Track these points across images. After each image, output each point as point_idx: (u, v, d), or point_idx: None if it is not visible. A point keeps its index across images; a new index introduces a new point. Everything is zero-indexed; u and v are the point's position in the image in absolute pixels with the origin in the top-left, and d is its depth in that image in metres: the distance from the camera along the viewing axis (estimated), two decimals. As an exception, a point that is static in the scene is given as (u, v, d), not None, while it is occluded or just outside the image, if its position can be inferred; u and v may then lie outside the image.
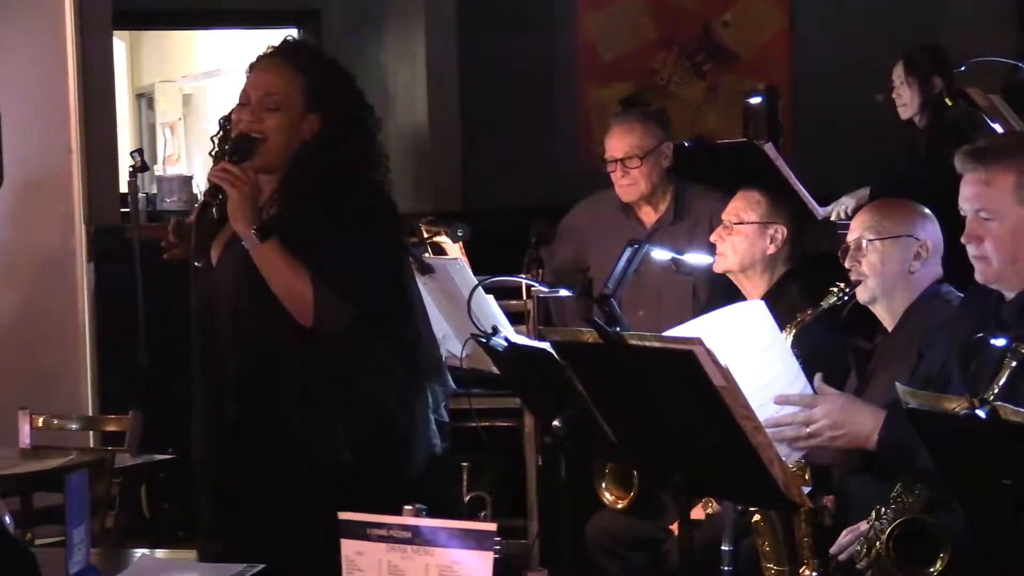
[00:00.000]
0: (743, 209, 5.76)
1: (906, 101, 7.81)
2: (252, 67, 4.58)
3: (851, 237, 5.07)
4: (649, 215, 6.51)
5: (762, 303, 4.90)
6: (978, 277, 4.46)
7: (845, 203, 7.53)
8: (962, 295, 4.92)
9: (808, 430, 4.33)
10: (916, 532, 4.47)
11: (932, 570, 4.43)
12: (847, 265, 5.02)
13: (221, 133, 4.63)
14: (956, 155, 4.41)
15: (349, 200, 4.44)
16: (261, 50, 4.62)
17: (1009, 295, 4.37)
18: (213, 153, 4.63)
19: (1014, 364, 3.98)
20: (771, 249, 5.71)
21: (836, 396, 4.40)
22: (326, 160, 4.45)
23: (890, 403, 4.33)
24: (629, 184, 6.45)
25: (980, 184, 4.34)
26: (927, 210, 5.11)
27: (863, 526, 4.77)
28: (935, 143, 7.32)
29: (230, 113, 4.60)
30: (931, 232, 5.05)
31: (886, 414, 4.33)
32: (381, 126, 4.67)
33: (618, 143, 6.48)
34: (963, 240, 4.45)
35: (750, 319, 4.75)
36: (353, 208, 4.44)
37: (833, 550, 4.84)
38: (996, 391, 3.95)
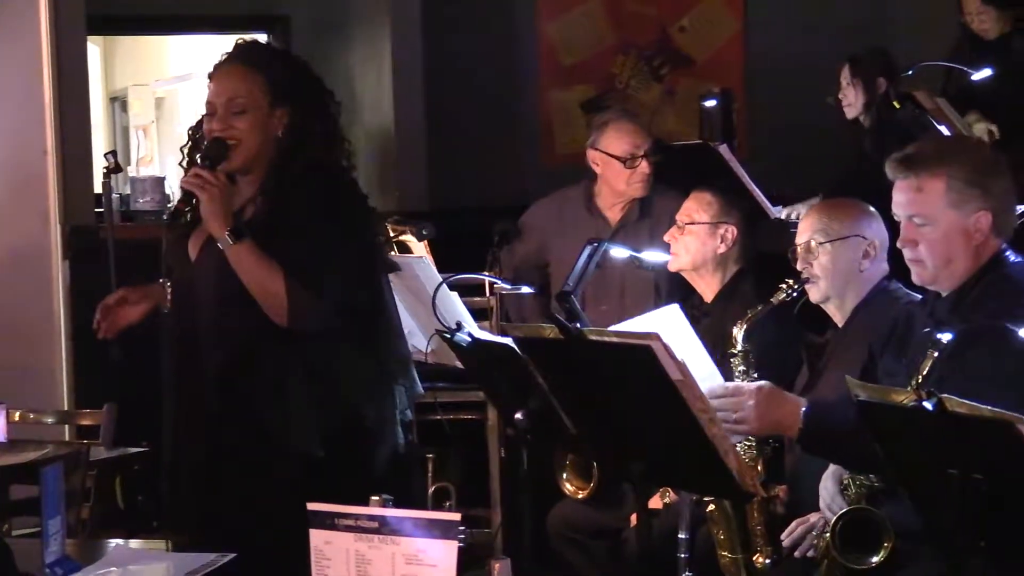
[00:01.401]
0: (694, 210, 5.78)
1: (851, 102, 7.84)
2: (211, 76, 4.58)
3: (800, 239, 5.08)
4: (615, 213, 6.52)
5: (677, 306, 4.97)
6: (915, 279, 4.49)
7: (799, 209, 7.56)
8: (909, 291, 4.95)
9: (736, 416, 4.34)
10: (861, 522, 4.50)
11: (876, 559, 4.46)
12: (799, 267, 5.04)
13: (190, 143, 4.63)
14: (887, 163, 4.44)
15: (326, 200, 4.44)
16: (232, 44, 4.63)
17: (944, 294, 4.41)
18: (183, 163, 4.63)
19: (936, 355, 4.04)
20: (721, 248, 5.73)
21: (760, 386, 4.41)
22: (301, 156, 4.45)
23: (813, 396, 4.39)
24: (641, 182, 6.49)
25: (912, 191, 4.37)
26: (872, 208, 5.14)
27: (812, 518, 4.79)
28: (881, 143, 7.34)
29: (198, 123, 4.60)
30: (877, 230, 5.08)
31: (806, 408, 4.36)
32: (341, 109, 4.68)
33: (639, 139, 6.55)
34: (899, 245, 4.48)
35: (668, 322, 4.80)
36: (330, 208, 4.43)
37: (785, 543, 4.86)
38: (920, 380, 4.00)
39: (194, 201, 4.40)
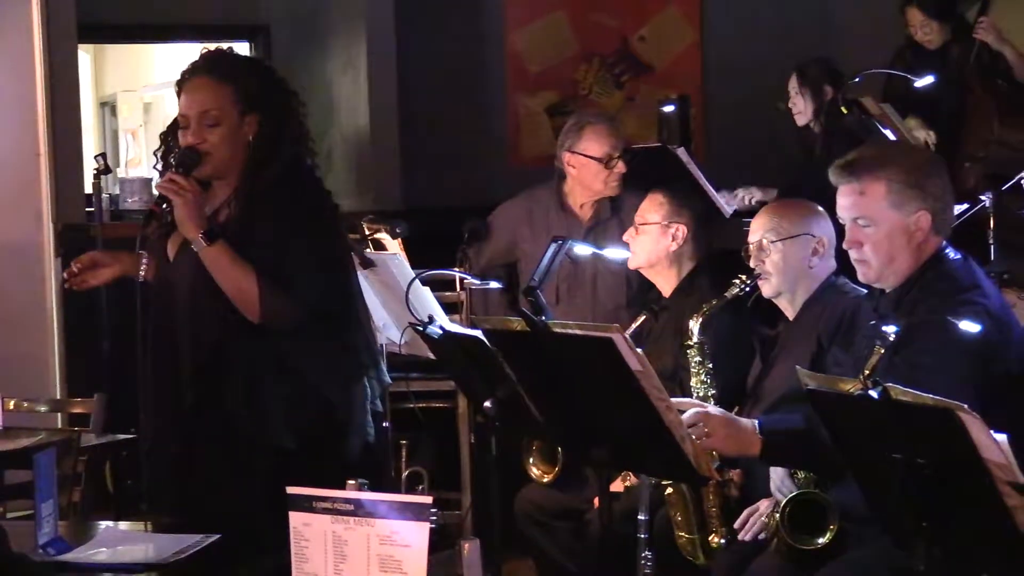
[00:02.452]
0: (648, 211, 5.78)
1: (801, 109, 7.85)
2: (181, 87, 4.54)
3: (753, 239, 5.09)
4: (587, 211, 6.51)
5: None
6: (860, 278, 4.51)
7: (754, 193, 7.56)
8: (856, 286, 4.96)
9: (706, 429, 4.33)
10: (809, 504, 4.51)
11: (822, 540, 4.47)
12: (752, 264, 5.05)
13: (164, 148, 4.61)
14: (830, 169, 4.46)
15: (296, 202, 4.42)
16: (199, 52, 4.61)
17: (888, 290, 4.42)
18: (158, 168, 4.61)
19: (882, 349, 4.05)
20: (673, 246, 5.72)
21: (709, 415, 4.42)
22: (272, 159, 4.43)
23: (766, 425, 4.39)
24: (612, 179, 6.48)
25: (855, 194, 4.39)
26: (820, 208, 5.15)
27: (762, 506, 4.80)
28: (830, 147, 7.35)
29: (170, 128, 4.58)
30: (826, 229, 5.09)
31: (759, 422, 4.37)
32: (308, 110, 4.66)
33: (613, 140, 6.52)
34: (844, 246, 4.49)
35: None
36: (300, 211, 4.42)
37: (736, 527, 4.87)
38: (867, 372, 4.01)
39: (165, 205, 4.38)
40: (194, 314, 4.43)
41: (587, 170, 6.47)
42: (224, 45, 4.80)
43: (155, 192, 4.50)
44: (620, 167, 6.45)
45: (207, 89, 4.45)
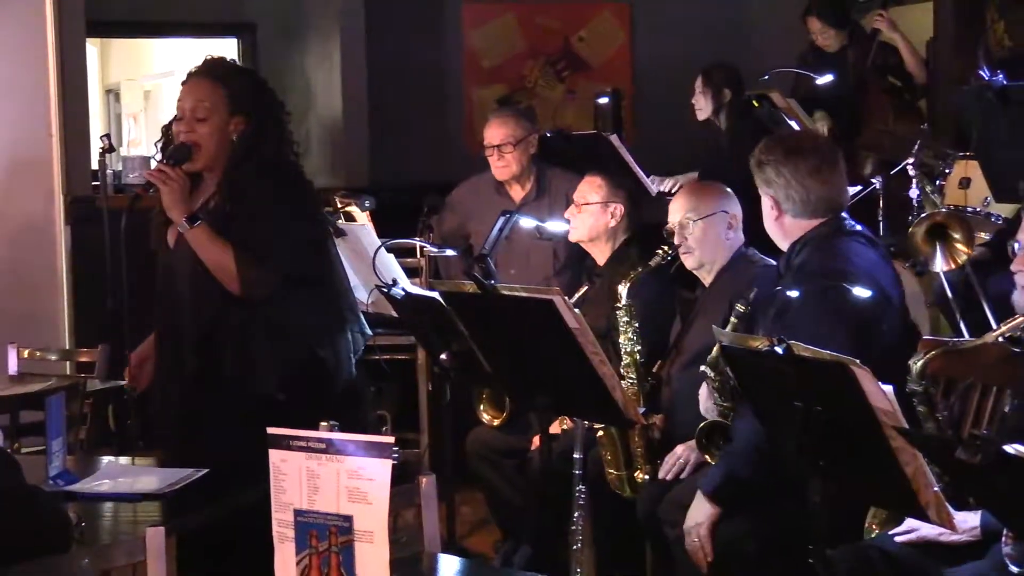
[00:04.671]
0: (588, 192, 5.77)
1: (702, 107, 7.86)
2: (183, 85, 4.55)
3: (674, 218, 5.10)
4: (518, 192, 6.50)
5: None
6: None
7: (679, 180, 7.56)
8: (764, 256, 5.00)
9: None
10: (719, 429, 4.56)
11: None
12: (676, 241, 5.06)
13: (164, 140, 4.60)
14: (751, 158, 4.53)
15: (275, 188, 4.41)
16: (203, 56, 4.60)
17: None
18: (156, 157, 4.60)
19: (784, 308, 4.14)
20: (612, 223, 5.72)
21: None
22: (255, 154, 4.42)
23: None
24: (503, 166, 6.44)
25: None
26: (729, 189, 5.17)
27: (679, 449, 4.83)
28: (735, 139, 7.37)
29: (170, 122, 4.56)
30: (736, 206, 5.12)
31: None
32: (291, 117, 4.65)
33: (495, 132, 6.47)
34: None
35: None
36: (277, 195, 4.41)
37: (661, 474, 4.89)
38: (771, 329, 4.07)
39: (151, 191, 4.38)
40: (196, 290, 4.42)
41: (489, 156, 6.47)
42: (216, 41, 4.79)
43: (145, 179, 4.48)
44: (494, 158, 6.42)
45: (202, 88, 4.45)
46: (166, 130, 4.60)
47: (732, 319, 4.49)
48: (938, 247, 5.51)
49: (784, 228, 4.47)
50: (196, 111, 4.41)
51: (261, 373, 4.35)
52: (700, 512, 4.38)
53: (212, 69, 4.53)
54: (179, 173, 4.36)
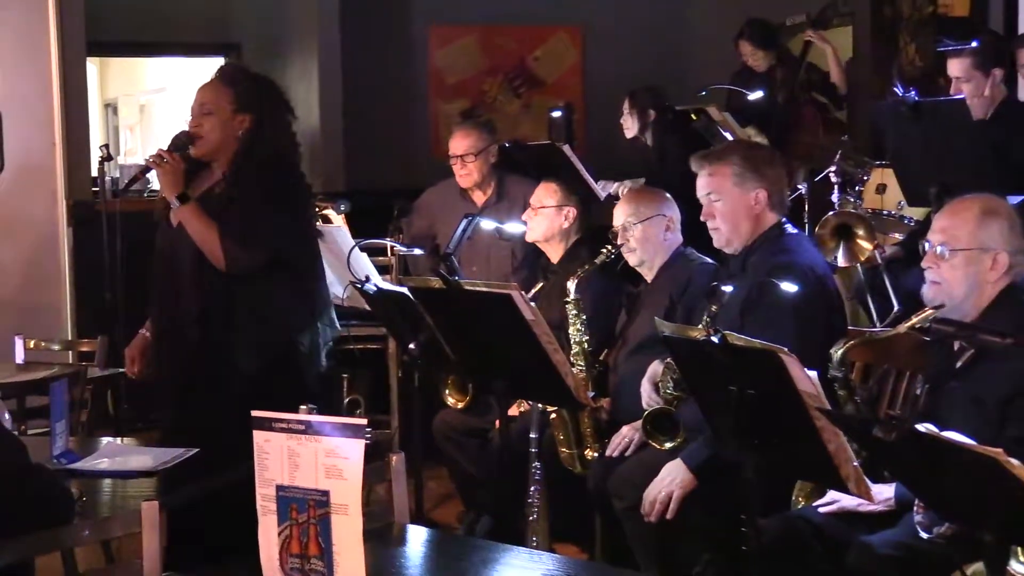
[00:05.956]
0: (544, 196, 5.77)
1: (629, 126, 7.83)
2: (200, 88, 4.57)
3: (618, 222, 5.11)
4: (479, 197, 6.49)
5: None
6: (716, 243, 4.55)
7: (626, 185, 7.56)
8: (701, 255, 5.01)
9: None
10: (664, 417, 4.56)
11: (671, 445, 4.51)
12: (619, 241, 5.07)
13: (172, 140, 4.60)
14: (692, 159, 4.55)
15: (274, 180, 4.42)
16: (197, 72, 4.60)
17: (735, 253, 4.47)
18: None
19: (718, 303, 4.16)
20: (565, 224, 5.73)
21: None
22: (258, 149, 4.42)
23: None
24: (466, 174, 6.44)
25: (708, 175, 4.47)
26: (668, 195, 5.18)
27: (625, 429, 4.83)
28: (663, 153, 7.37)
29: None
30: (674, 210, 5.13)
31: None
32: (297, 119, 4.65)
33: (459, 144, 6.46)
34: (702, 218, 4.53)
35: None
36: (276, 186, 4.41)
37: (608, 452, 4.89)
38: (708, 321, 4.06)
39: (148, 173, 4.42)
40: (198, 265, 4.40)
41: (453, 165, 6.47)
42: (204, 60, 4.79)
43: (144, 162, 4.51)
44: (458, 167, 6.41)
45: (211, 88, 4.50)
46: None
47: (706, 317, 4.39)
48: (842, 245, 5.54)
49: (760, 222, 4.42)
50: (203, 107, 4.46)
51: (245, 351, 4.34)
52: (676, 480, 4.30)
53: (223, 73, 4.60)
54: (175, 158, 4.41)
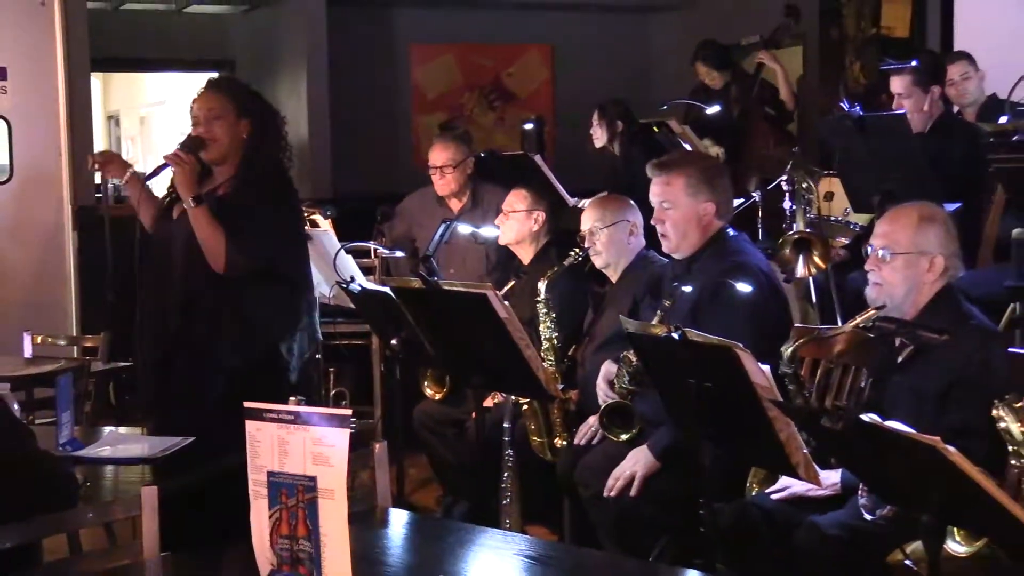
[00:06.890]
0: (515, 201, 5.76)
1: (598, 136, 7.85)
2: (194, 100, 4.49)
3: (585, 226, 5.09)
4: (456, 204, 6.48)
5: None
6: (664, 248, 4.55)
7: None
8: (662, 257, 5.00)
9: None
10: (621, 410, 4.55)
11: (627, 436, 4.52)
12: (586, 245, 5.06)
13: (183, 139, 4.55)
14: (647, 165, 4.53)
15: (274, 189, 4.37)
16: (194, 86, 4.55)
17: (682, 258, 4.48)
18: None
19: (677, 301, 4.15)
20: (535, 228, 5.72)
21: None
22: (263, 152, 4.37)
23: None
24: (444, 184, 6.43)
25: (663, 184, 4.44)
26: (632, 201, 5.17)
27: (591, 419, 4.82)
28: (629, 163, 7.38)
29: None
30: (637, 215, 5.12)
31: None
32: (287, 123, 4.60)
33: (438, 155, 6.45)
34: (652, 222, 4.53)
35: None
36: (276, 195, 4.37)
37: (576, 441, 4.88)
38: (667, 318, 4.06)
39: (163, 170, 4.35)
40: (189, 258, 4.33)
41: (432, 174, 6.46)
42: (201, 75, 4.74)
43: (161, 160, 4.41)
44: (436, 177, 6.40)
45: (212, 95, 4.40)
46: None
47: (659, 312, 4.38)
48: (801, 257, 5.56)
49: (707, 231, 4.41)
50: (212, 112, 4.35)
51: (223, 348, 4.25)
52: (640, 463, 4.31)
53: (217, 83, 4.52)
54: (191, 159, 4.31)
